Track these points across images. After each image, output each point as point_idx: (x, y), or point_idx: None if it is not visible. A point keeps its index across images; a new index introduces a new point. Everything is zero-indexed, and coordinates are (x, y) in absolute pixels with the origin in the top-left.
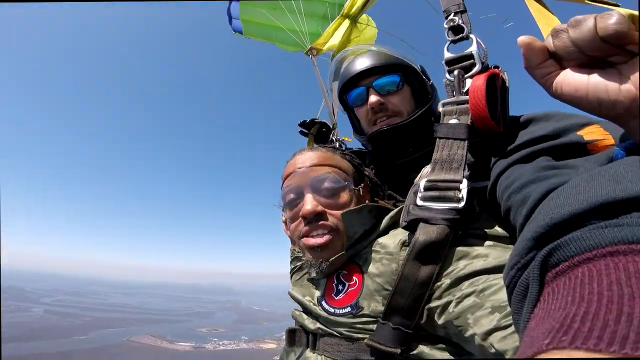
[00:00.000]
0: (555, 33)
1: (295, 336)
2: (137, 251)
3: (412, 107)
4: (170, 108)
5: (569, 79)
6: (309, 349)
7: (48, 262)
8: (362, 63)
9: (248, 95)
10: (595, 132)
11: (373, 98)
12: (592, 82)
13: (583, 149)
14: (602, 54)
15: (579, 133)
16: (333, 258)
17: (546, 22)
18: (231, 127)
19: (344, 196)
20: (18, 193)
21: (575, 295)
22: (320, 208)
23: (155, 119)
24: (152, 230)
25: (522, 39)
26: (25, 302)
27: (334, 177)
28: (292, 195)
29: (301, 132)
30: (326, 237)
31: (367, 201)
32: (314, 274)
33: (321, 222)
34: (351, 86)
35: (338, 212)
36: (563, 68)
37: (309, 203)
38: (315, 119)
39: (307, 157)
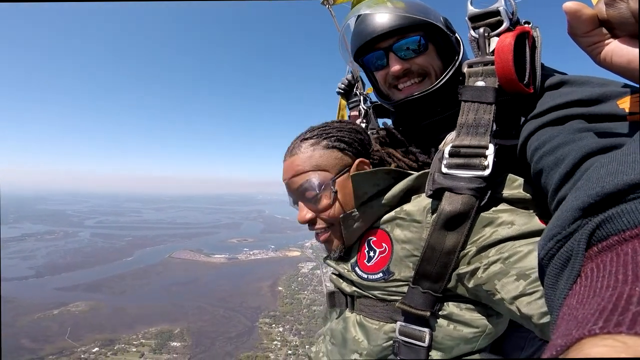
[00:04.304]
0: (610, 1)
1: (335, 298)
2: (157, 162)
3: (439, 66)
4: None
5: (621, 50)
6: (347, 309)
7: (79, 180)
8: (379, 24)
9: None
10: (638, 105)
11: (396, 66)
12: None
13: (622, 120)
14: None
15: (619, 104)
16: (345, 214)
17: None
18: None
19: (324, 201)
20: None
21: (627, 273)
22: (309, 216)
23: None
24: (169, 140)
25: (568, 5)
26: (71, 226)
27: (310, 186)
28: (291, 200)
29: (338, 92)
30: (324, 235)
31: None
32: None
33: (315, 226)
34: (368, 49)
35: (326, 214)
36: (613, 37)
37: (300, 214)
38: (348, 77)
39: (287, 168)
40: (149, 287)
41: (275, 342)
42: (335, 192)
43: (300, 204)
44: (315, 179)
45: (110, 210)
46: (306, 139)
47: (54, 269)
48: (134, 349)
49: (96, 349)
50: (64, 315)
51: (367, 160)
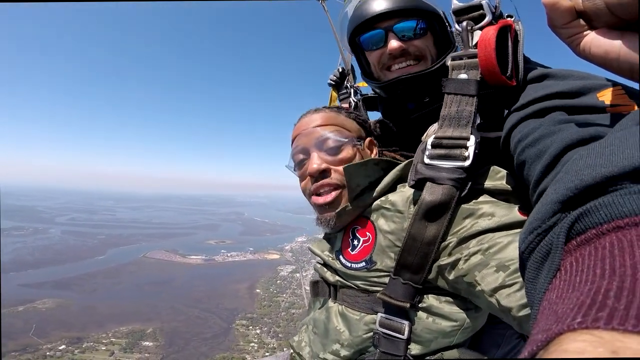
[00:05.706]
0: None
1: (318, 287)
2: (135, 161)
3: (435, 53)
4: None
5: (599, 41)
6: (331, 298)
7: (50, 176)
8: (383, 4)
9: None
10: (618, 98)
11: (394, 43)
12: (625, 47)
13: (602, 113)
14: (637, 17)
15: (599, 97)
16: (339, 209)
17: None
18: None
19: (348, 152)
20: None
21: (605, 267)
22: (324, 166)
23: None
24: (147, 137)
25: None
26: (41, 223)
27: (336, 135)
28: (300, 156)
29: (329, 84)
30: (333, 195)
31: (372, 155)
32: (327, 231)
33: (326, 180)
34: (367, 28)
35: (342, 168)
36: (592, 28)
37: (314, 162)
38: (339, 69)
39: (312, 119)
40: (121, 286)
41: (252, 344)
42: (361, 144)
43: (314, 154)
44: (341, 132)
45: (83, 207)
46: (327, 108)
47: (19, 266)
48: (104, 348)
49: (63, 346)
50: (29, 312)
51: (375, 142)
